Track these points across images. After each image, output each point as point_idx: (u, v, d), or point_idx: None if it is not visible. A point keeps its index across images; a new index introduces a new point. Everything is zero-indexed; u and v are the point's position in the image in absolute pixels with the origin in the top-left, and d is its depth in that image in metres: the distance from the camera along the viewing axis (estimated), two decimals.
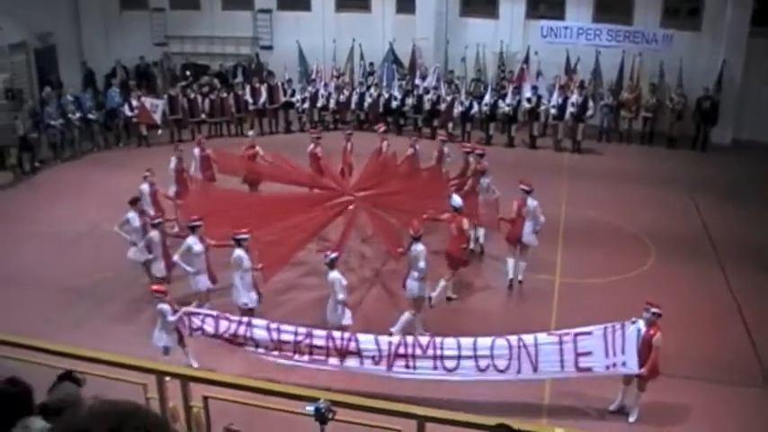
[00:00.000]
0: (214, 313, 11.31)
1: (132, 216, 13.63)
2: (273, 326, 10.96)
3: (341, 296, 11.43)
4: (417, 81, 25.44)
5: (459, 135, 23.29)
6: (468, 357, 10.42)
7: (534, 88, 24.16)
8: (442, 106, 24.29)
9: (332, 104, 25.39)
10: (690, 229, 17.43)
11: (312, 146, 17.62)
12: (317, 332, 10.86)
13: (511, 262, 14.49)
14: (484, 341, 10.50)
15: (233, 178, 17.15)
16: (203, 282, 12.59)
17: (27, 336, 8.49)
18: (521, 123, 24.31)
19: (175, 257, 12.47)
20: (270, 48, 28.45)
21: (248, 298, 12.05)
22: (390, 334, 11.72)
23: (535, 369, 10.40)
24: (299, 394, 7.08)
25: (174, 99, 23.74)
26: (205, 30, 28.26)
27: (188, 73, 26.74)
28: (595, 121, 24.44)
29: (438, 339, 10.64)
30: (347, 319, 11.67)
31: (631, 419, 10.41)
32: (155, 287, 11.73)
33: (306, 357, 10.88)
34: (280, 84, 25.25)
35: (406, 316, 12.44)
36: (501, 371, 10.41)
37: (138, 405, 1.84)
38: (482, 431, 6.29)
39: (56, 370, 7.58)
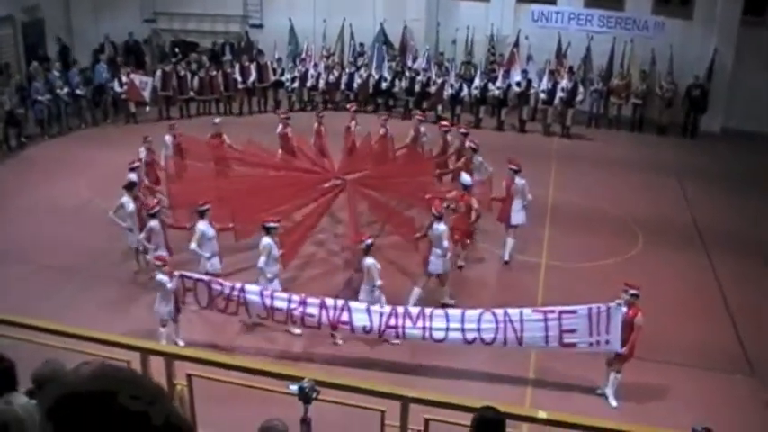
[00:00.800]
0: (206, 278, 11.35)
1: (126, 201, 13.32)
2: (267, 292, 11.09)
3: (378, 282, 11.43)
4: (408, 63, 25.37)
5: (450, 117, 23.21)
6: (456, 330, 10.70)
7: (524, 72, 24.11)
8: (433, 88, 24.25)
9: (321, 84, 25.28)
10: (677, 216, 17.48)
11: (281, 126, 17.45)
12: (310, 300, 10.97)
13: (510, 242, 14.66)
14: (471, 313, 10.78)
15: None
16: (215, 264, 12.42)
17: (13, 313, 8.46)
18: (510, 107, 24.29)
19: (192, 246, 12.15)
20: (260, 26, 28.23)
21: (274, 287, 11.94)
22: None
23: (520, 342, 10.68)
24: (283, 373, 7.08)
25: (167, 75, 23.57)
26: (195, 7, 27.95)
27: (177, 50, 26.55)
28: (585, 106, 24.46)
29: (427, 311, 10.88)
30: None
31: (613, 404, 10.45)
32: (158, 255, 11.86)
33: (298, 324, 11.18)
34: (269, 63, 25.12)
35: (417, 291, 12.57)
36: (487, 343, 10.71)
37: (139, 374, 1.83)
38: (466, 413, 6.30)
39: (41, 347, 7.59)
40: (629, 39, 24.82)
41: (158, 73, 23.68)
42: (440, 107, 24.01)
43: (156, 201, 13.54)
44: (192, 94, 23.98)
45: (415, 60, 25.54)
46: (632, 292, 10.23)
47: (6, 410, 4.44)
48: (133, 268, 13.75)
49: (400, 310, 10.95)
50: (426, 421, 6.90)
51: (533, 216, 15.45)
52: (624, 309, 10.23)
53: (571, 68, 24.05)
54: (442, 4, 26.83)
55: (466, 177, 14.39)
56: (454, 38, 26.09)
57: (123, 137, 20.22)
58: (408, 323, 10.80)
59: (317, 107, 24.15)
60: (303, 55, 25.87)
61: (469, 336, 10.68)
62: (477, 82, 24.02)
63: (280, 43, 25.98)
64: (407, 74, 24.83)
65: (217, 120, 17.78)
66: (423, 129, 17.83)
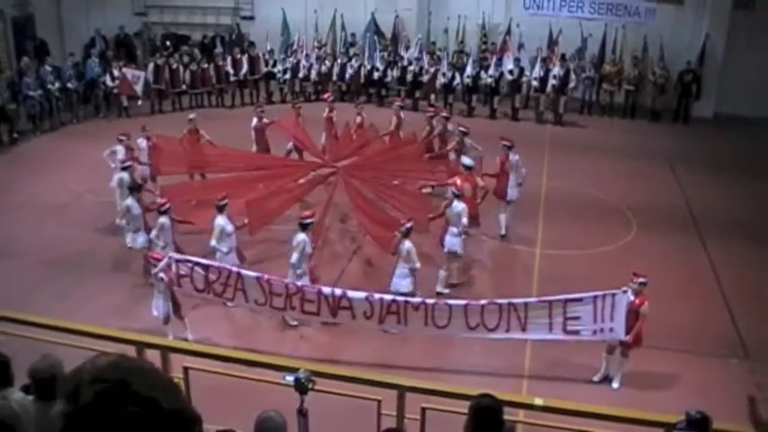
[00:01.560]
0: (204, 261, 11.27)
1: (132, 204, 13.04)
2: (264, 278, 10.97)
3: (417, 264, 11.65)
4: (400, 53, 25.34)
5: (442, 106, 23.22)
6: (459, 317, 10.58)
7: (517, 60, 24.10)
8: (425, 78, 24.25)
9: (313, 75, 25.24)
10: (671, 202, 17.51)
11: (256, 120, 17.23)
12: (308, 289, 10.92)
13: (503, 217, 14.87)
14: (475, 303, 10.67)
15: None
16: (232, 260, 12.28)
17: (8, 308, 8.47)
18: (503, 95, 24.29)
19: (212, 242, 12.06)
20: (251, 18, 28.17)
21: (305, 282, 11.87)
22: (438, 294, 12.16)
23: (524, 329, 10.58)
24: (279, 365, 7.10)
25: (159, 68, 23.51)
26: None
27: (168, 43, 26.47)
28: (577, 93, 24.46)
29: (430, 301, 10.75)
30: (411, 285, 11.76)
31: (615, 385, 10.52)
32: (152, 254, 11.73)
33: (297, 311, 11.00)
34: (261, 54, 25.07)
35: (443, 273, 12.66)
36: (491, 329, 10.57)
37: (153, 366, 1.91)
38: (462, 400, 6.32)
39: (36, 342, 7.60)
40: (621, 25, 24.81)
41: (150, 66, 23.61)
42: (432, 96, 24.02)
43: (165, 199, 13.11)
44: (184, 87, 23.92)
45: (407, 50, 25.50)
46: (640, 280, 10.23)
47: (2, 406, 4.44)
48: (138, 278, 13.15)
49: (400, 299, 10.78)
50: (423, 410, 6.93)
51: (527, 204, 15.47)
52: (631, 297, 10.23)
53: (563, 56, 24.03)
54: None
55: (466, 159, 14.64)
56: (446, 27, 26.05)
57: (115, 131, 20.10)
58: (410, 311, 10.64)
59: (310, 98, 24.15)
60: (295, 46, 25.83)
61: (472, 322, 10.54)
62: (468, 70, 24.01)
63: (271, 35, 25.91)
64: (399, 63, 24.81)
65: (191, 115, 17.21)
66: (403, 115, 18.16)
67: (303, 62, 25.19)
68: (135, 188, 13.46)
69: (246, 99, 24.68)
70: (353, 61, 25.16)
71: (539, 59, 23.95)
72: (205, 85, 24.30)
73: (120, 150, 15.25)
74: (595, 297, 10.36)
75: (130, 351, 7.23)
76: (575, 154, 20.48)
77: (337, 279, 12.73)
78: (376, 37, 25.96)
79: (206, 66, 24.28)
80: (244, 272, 11.15)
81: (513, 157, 14.94)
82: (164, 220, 12.36)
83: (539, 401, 6.86)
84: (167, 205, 12.55)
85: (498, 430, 5.28)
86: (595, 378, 10.66)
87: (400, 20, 26.16)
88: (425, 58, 24.70)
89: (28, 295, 12.03)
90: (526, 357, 11.12)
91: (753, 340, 11.83)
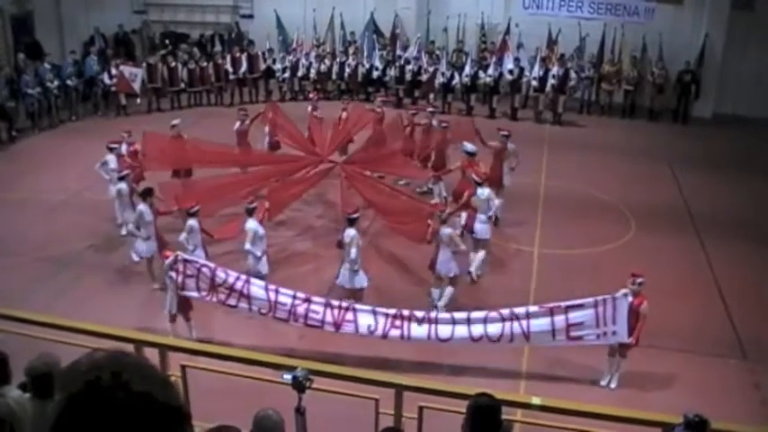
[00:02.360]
0: (212, 265, 11.22)
1: (144, 209, 12.68)
2: (272, 287, 10.94)
3: (462, 247, 12.08)
4: (399, 52, 25.34)
5: (441, 105, 23.27)
6: (462, 329, 10.54)
7: (516, 60, 24.11)
8: (424, 77, 24.26)
9: (312, 74, 25.24)
10: (670, 202, 17.52)
11: (238, 123, 17.01)
12: (315, 299, 10.86)
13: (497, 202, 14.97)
14: (477, 314, 10.64)
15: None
16: (265, 265, 12.23)
17: (7, 305, 8.46)
18: (502, 95, 24.30)
19: (247, 246, 11.93)
20: (250, 16, 28.18)
21: (360, 280, 11.93)
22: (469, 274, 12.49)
23: (527, 338, 10.55)
24: (276, 363, 7.09)
25: (152, 67, 23.49)
26: None
27: (167, 41, 26.46)
28: (576, 93, 24.47)
29: (433, 315, 10.73)
30: (456, 268, 12.08)
31: (612, 386, 10.51)
32: (164, 252, 11.63)
33: (300, 323, 10.89)
34: (260, 53, 25.07)
35: (480, 255, 12.89)
36: (494, 341, 10.54)
37: (146, 361, 1.93)
38: (459, 399, 6.33)
39: (33, 340, 7.59)
40: (620, 25, 24.82)
41: (144, 65, 23.60)
42: (431, 95, 24.02)
43: (194, 202, 12.79)
44: (182, 85, 23.90)
45: (405, 49, 25.50)
46: (639, 280, 10.22)
47: (5, 397, 4.44)
48: (151, 285, 12.90)
49: (405, 312, 10.73)
50: (420, 409, 6.93)
51: (525, 203, 15.48)
52: (630, 298, 10.21)
53: (562, 55, 24.04)
54: None
55: (468, 145, 15.12)
56: (445, 26, 26.05)
57: (114, 129, 20.09)
58: (414, 325, 10.59)
59: (308, 97, 24.14)
60: (294, 45, 25.82)
61: (476, 333, 10.51)
62: (467, 70, 24.02)
63: (271, 33, 25.93)
64: (398, 63, 24.81)
65: (175, 121, 16.46)
66: (385, 109, 18.55)
67: (302, 61, 25.19)
68: (147, 192, 12.98)
69: (246, 97, 24.66)
70: (352, 60, 25.16)
71: (538, 59, 23.96)
72: (204, 83, 24.30)
73: (112, 159, 14.81)
74: (596, 302, 10.33)
75: (128, 349, 7.23)
76: (573, 153, 20.49)
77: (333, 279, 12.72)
78: (375, 36, 25.98)
79: (205, 64, 24.28)
80: (252, 279, 11.09)
81: (511, 145, 15.67)
82: (193, 222, 12.17)
83: (536, 401, 6.86)
84: (196, 207, 12.36)
85: (496, 429, 5.28)
86: (602, 382, 10.59)
87: (399, 19, 26.17)
88: (424, 58, 24.70)
89: (26, 293, 12.03)
90: (524, 357, 11.11)
91: (751, 340, 11.83)
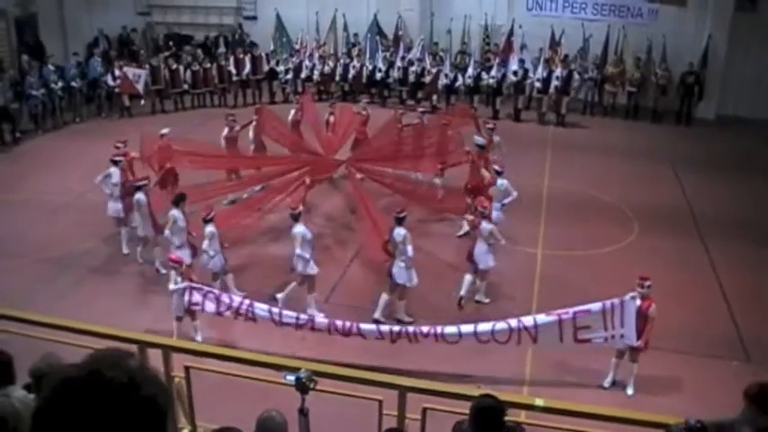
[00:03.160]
0: (216, 291, 11.29)
1: (177, 215, 12.38)
2: (275, 311, 11.00)
3: (503, 241, 12.53)
4: (402, 53, 25.35)
5: (444, 107, 23.32)
6: (469, 335, 10.56)
7: (521, 62, 24.12)
8: (427, 78, 24.27)
9: (315, 75, 25.26)
10: (673, 203, 17.50)
11: (227, 130, 16.69)
12: (319, 320, 10.97)
13: None
14: (484, 326, 10.62)
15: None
16: (314, 268, 12.15)
17: (10, 306, 8.48)
18: (505, 96, 24.31)
19: (298, 251, 11.87)
20: (254, 18, 28.22)
21: (408, 277, 11.97)
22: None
23: (535, 341, 10.54)
24: (280, 364, 7.10)
25: (155, 69, 23.53)
26: None
27: (171, 43, 26.50)
28: (580, 94, 24.49)
29: (439, 329, 10.66)
30: (492, 261, 12.48)
31: (629, 392, 10.41)
32: (172, 256, 11.60)
33: (307, 329, 10.99)
34: (263, 54, 25.10)
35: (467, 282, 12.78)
36: (502, 342, 10.54)
37: (125, 353, 1.96)
38: (463, 401, 6.33)
39: (38, 341, 7.60)
40: (623, 26, 24.81)
41: (147, 67, 23.63)
42: (435, 97, 24.05)
43: (210, 207, 12.71)
44: (186, 87, 23.93)
45: (408, 50, 25.53)
46: (647, 284, 10.16)
47: (4, 403, 4.45)
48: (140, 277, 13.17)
49: (411, 329, 10.77)
50: (424, 410, 6.93)
51: (529, 205, 15.46)
52: (638, 302, 10.16)
53: (566, 57, 24.04)
54: None
55: (478, 138, 15.85)
56: (449, 27, 26.05)
57: (117, 130, 20.14)
58: (420, 336, 10.64)
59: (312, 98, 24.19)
60: (297, 46, 25.85)
61: (483, 338, 10.53)
62: (470, 71, 24.05)
63: (274, 35, 25.96)
64: (401, 64, 24.82)
65: (164, 130, 15.88)
66: (370, 111, 18.73)
67: (306, 62, 25.21)
68: (179, 198, 12.69)
69: (249, 99, 24.69)
70: (355, 62, 25.18)
71: (541, 60, 23.97)
72: (207, 85, 24.33)
73: (115, 173, 14.08)
74: (604, 305, 10.30)
75: (132, 350, 7.24)
76: (576, 155, 20.50)
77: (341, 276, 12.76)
78: (378, 38, 26.00)
79: (208, 66, 24.31)
80: (255, 304, 11.08)
81: (496, 138, 16.47)
82: (212, 228, 12.13)
83: (539, 402, 6.85)
84: (213, 213, 12.34)
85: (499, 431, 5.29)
86: (605, 384, 10.54)
87: (402, 20, 26.19)
88: (428, 59, 24.72)
89: (28, 294, 12.05)
90: (527, 359, 11.10)
91: (754, 342, 11.80)
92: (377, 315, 11.78)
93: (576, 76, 23.71)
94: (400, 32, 26.16)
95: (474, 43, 26.08)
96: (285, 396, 6.28)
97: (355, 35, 26.57)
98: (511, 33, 25.33)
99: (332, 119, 18.12)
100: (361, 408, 7.35)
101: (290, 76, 25.27)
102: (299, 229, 12.06)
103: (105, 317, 10.67)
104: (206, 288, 11.26)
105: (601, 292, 10.64)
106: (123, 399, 1.75)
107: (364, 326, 10.86)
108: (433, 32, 26.30)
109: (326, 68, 25.21)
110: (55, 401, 1.75)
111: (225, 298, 11.11)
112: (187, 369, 7.45)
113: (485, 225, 12.35)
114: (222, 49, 26.01)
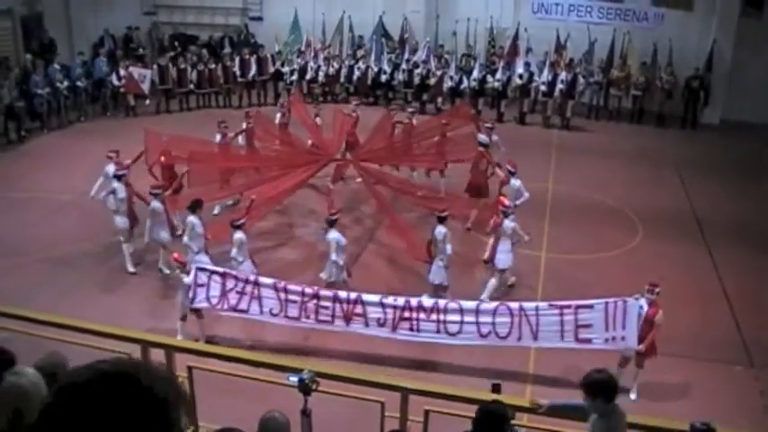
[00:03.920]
0: (221, 270, 11.25)
1: (196, 222, 12.30)
2: (281, 285, 10.96)
3: (527, 237, 13.00)
4: (408, 55, 25.36)
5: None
6: (471, 323, 10.57)
7: (527, 65, 24.11)
8: (432, 81, 24.27)
9: (321, 77, 25.27)
10: (677, 207, 17.49)
11: (220, 137, 16.38)
12: (323, 292, 10.92)
13: None
14: (487, 306, 10.71)
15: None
16: (343, 276, 12.11)
17: (13, 304, 8.47)
18: (510, 99, 24.31)
19: (333, 256, 11.86)
20: (260, 19, 28.23)
21: (441, 276, 12.11)
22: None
23: (535, 338, 10.54)
24: (283, 365, 7.09)
25: (163, 69, 23.55)
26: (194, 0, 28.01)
27: (176, 43, 26.53)
28: (584, 98, 24.47)
29: (441, 303, 10.74)
30: (510, 261, 12.79)
31: (633, 396, 10.32)
32: (175, 255, 11.58)
33: (312, 319, 10.91)
34: (269, 55, 25.12)
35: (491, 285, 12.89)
36: (502, 337, 10.54)
37: (152, 363, 1.99)
38: (465, 403, 6.33)
39: (41, 339, 7.60)
40: (629, 30, 24.80)
41: (155, 67, 23.65)
42: (439, 99, 24.05)
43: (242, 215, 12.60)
44: (191, 87, 23.96)
45: (414, 53, 25.53)
46: (657, 290, 10.16)
47: (20, 376, 4.48)
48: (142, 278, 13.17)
49: (414, 302, 10.77)
50: (426, 412, 6.92)
51: (533, 208, 15.44)
52: (645, 306, 10.15)
53: (571, 60, 24.03)
54: None
55: (482, 137, 16.10)
56: (454, 30, 26.05)
57: (122, 130, 20.19)
58: (422, 316, 10.64)
59: (317, 99, 24.23)
60: (303, 47, 25.87)
61: (484, 329, 10.51)
62: (475, 74, 24.05)
63: (280, 36, 25.98)
64: (406, 66, 24.83)
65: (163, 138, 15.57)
66: (359, 112, 18.79)
67: (311, 64, 25.22)
68: (196, 204, 12.53)
69: (254, 100, 24.72)
70: (361, 63, 25.18)
71: (547, 64, 23.95)
72: (212, 85, 24.34)
73: (120, 189, 13.46)
74: (606, 303, 10.29)
75: (135, 349, 7.24)
76: (581, 158, 20.48)
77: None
78: (384, 39, 25.99)
79: (213, 66, 24.32)
80: (261, 279, 11.11)
81: (494, 137, 16.72)
82: (240, 235, 12.04)
83: (542, 405, 6.83)
84: (242, 220, 12.26)
85: None
86: None
87: (408, 22, 26.20)
88: (433, 62, 24.72)
89: (30, 293, 12.02)
90: (530, 362, 11.08)
91: (757, 347, 11.79)
92: None
93: (581, 80, 23.70)
94: (406, 35, 26.18)
95: (479, 46, 26.05)
96: (287, 397, 6.27)
97: (360, 37, 26.59)
98: (516, 36, 25.36)
99: (318, 120, 18.10)
100: (364, 409, 7.35)
101: (295, 77, 25.28)
102: (334, 234, 12.03)
103: (108, 317, 10.67)
104: (210, 268, 11.25)
105: (605, 296, 10.60)
106: (134, 399, 1.73)
107: (367, 297, 10.85)
108: (438, 35, 26.27)
109: (331, 70, 25.21)
110: (63, 403, 1.73)
111: (230, 278, 11.06)
112: (190, 369, 7.45)
113: (507, 223, 12.61)
114: (227, 50, 26.02)
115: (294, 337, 11.38)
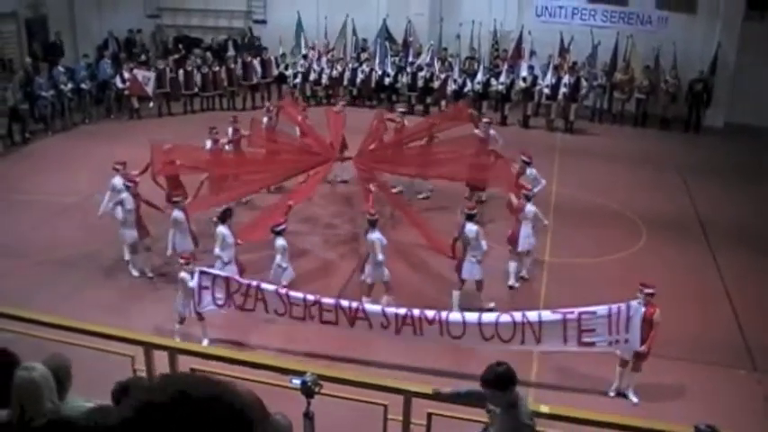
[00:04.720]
0: (224, 274, 11.26)
1: (226, 232, 12.02)
2: (283, 291, 10.97)
3: (546, 221, 13.69)
4: (411, 58, 25.37)
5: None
6: (473, 324, 10.52)
7: (530, 68, 24.12)
8: (436, 84, 24.29)
9: (324, 80, 25.30)
10: (681, 211, 17.47)
11: (210, 143, 16.03)
12: (325, 300, 10.86)
13: None
14: (488, 316, 10.65)
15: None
16: (387, 274, 12.04)
17: (16, 306, 8.49)
18: (514, 102, 24.32)
19: (380, 257, 11.74)
20: (263, 22, 28.28)
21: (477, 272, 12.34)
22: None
23: (539, 341, 10.49)
24: (285, 367, 7.10)
25: (162, 72, 23.59)
26: (198, 3, 28.04)
27: (180, 46, 26.57)
28: (588, 101, 24.48)
29: (443, 314, 10.68)
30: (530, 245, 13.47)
31: (635, 400, 10.34)
32: (182, 255, 11.59)
33: (316, 320, 10.89)
34: (273, 58, 25.16)
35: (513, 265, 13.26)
36: (505, 341, 10.48)
37: (201, 375, 1.99)
38: (468, 406, 6.33)
39: (45, 341, 7.61)
40: (633, 33, 24.80)
41: (153, 70, 23.67)
42: (443, 102, 24.06)
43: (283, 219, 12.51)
44: (195, 89, 23.99)
45: (417, 56, 25.55)
46: (647, 291, 10.13)
47: (31, 370, 4.52)
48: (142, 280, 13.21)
49: (416, 313, 10.66)
50: (429, 415, 6.92)
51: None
52: (642, 308, 10.14)
53: (574, 63, 24.04)
54: None
55: (478, 133, 16.71)
56: (458, 33, 26.06)
57: (126, 132, 20.23)
58: (426, 325, 10.58)
59: (321, 102, 24.26)
60: (306, 51, 25.89)
61: (487, 333, 10.47)
62: (479, 77, 24.06)
63: (284, 39, 26.01)
64: (409, 69, 24.84)
65: (166, 146, 15.24)
66: (346, 112, 18.77)
67: (315, 66, 25.26)
68: (226, 214, 12.29)
69: (258, 102, 24.73)
70: (364, 66, 25.21)
71: (550, 67, 23.97)
72: (216, 87, 24.39)
73: (129, 200, 13.25)
74: (610, 309, 10.26)
75: (138, 351, 7.26)
76: (585, 162, 20.47)
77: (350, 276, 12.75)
78: (387, 42, 26.01)
79: (217, 68, 24.37)
80: (263, 285, 11.10)
81: (492, 132, 17.22)
82: (282, 242, 11.97)
83: (544, 409, 6.84)
84: (283, 226, 12.18)
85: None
86: (611, 393, 10.48)
87: (412, 25, 26.21)
88: (437, 65, 24.73)
89: (31, 295, 12.01)
90: (533, 365, 11.06)
91: (761, 351, 11.75)
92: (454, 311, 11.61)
93: (585, 83, 23.70)
94: (410, 38, 26.20)
95: (483, 49, 26.08)
96: (290, 400, 6.28)
97: (364, 40, 26.61)
98: (520, 40, 25.37)
99: (307, 121, 17.90)
100: (366, 412, 7.35)
101: (298, 80, 25.31)
102: (376, 235, 11.94)
103: (111, 319, 10.69)
104: (213, 272, 11.26)
105: (608, 299, 10.57)
106: (214, 416, 1.75)
107: (369, 307, 10.85)
108: (442, 38, 26.29)
109: (335, 73, 25.23)
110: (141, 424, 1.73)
111: (234, 281, 11.08)
112: (192, 371, 7.45)
113: (529, 207, 13.15)
114: (231, 53, 26.06)
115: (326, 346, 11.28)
